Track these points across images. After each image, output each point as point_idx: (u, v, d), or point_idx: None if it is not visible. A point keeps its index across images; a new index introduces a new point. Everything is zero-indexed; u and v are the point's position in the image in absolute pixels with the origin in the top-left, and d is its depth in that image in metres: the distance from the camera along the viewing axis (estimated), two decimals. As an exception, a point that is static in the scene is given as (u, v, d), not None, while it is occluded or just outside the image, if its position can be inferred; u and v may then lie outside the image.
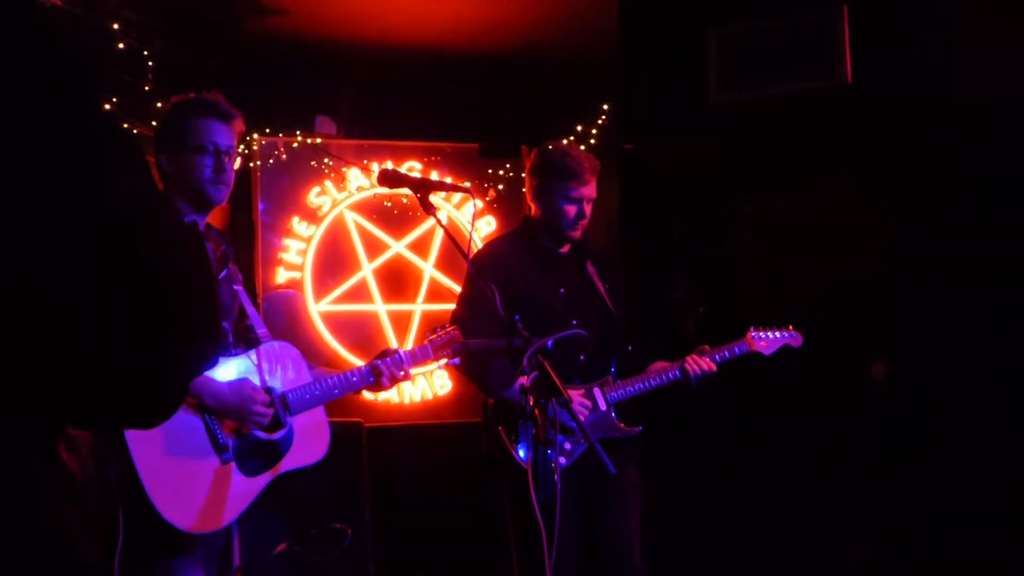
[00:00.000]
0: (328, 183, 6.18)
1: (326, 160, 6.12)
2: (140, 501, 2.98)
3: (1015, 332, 4.54)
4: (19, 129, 1.12)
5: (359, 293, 6.23)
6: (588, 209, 4.05)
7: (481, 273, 3.87)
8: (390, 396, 6.07)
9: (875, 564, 4.79)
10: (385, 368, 3.51)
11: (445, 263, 6.35)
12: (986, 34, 4.68)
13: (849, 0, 4.81)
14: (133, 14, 5.10)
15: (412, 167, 6.25)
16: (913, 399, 4.75)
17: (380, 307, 6.25)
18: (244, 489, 3.22)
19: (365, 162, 6.20)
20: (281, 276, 6.06)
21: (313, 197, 6.14)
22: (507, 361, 3.60)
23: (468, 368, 3.96)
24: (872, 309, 4.87)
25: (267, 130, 5.98)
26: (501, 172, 6.48)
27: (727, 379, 4.29)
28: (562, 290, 4.02)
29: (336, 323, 6.10)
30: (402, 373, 3.56)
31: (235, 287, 3.46)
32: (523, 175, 6.48)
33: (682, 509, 5.07)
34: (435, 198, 6.00)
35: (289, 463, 3.35)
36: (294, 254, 6.05)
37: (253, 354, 3.37)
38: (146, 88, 5.16)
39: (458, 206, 6.37)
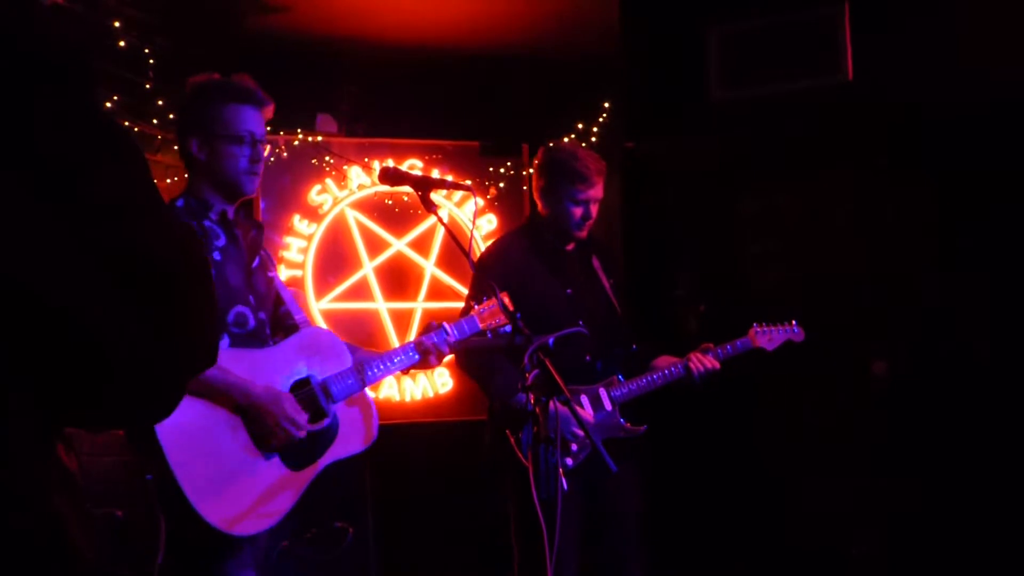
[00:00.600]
0: (329, 181, 6.17)
1: (327, 158, 6.12)
2: (181, 506, 2.82)
3: (1016, 330, 4.53)
4: (16, 126, 1.12)
5: (360, 291, 6.23)
6: (594, 210, 4.07)
7: (486, 272, 3.87)
8: (391, 394, 6.07)
9: (875, 561, 4.78)
10: (432, 345, 3.40)
11: (446, 261, 6.35)
12: (987, 31, 4.68)
13: (850, -3, 4.82)
14: (134, 11, 5.11)
15: (413, 165, 6.24)
16: (914, 396, 4.75)
17: (381, 305, 6.25)
18: (291, 483, 3.08)
19: (366, 160, 6.20)
20: (282, 274, 6.06)
21: (314, 195, 6.13)
22: (514, 369, 3.63)
23: (472, 368, 3.96)
24: (873, 306, 4.87)
25: (268, 128, 5.97)
26: (502, 170, 6.48)
27: (730, 377, 4.30)
28: (569, 290, 4.03)
29: (337, 321, 6.10)
30: (449, 348, 3.43)
31: (270, 274, 3.36)
32: (524, 173, 6.50)
33: (684, 505, 5.07)
34: (436, 196, 5.95)
35: (336, 452, 3.22)
36: (295, 252, 6.05)
37: (291, 342, 3.24)
38: (147, 86, 5.17)
39: (459, 204, 6.37)
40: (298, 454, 3.12)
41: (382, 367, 3.37)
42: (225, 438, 2.98)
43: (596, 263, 4.18)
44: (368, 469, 5.31)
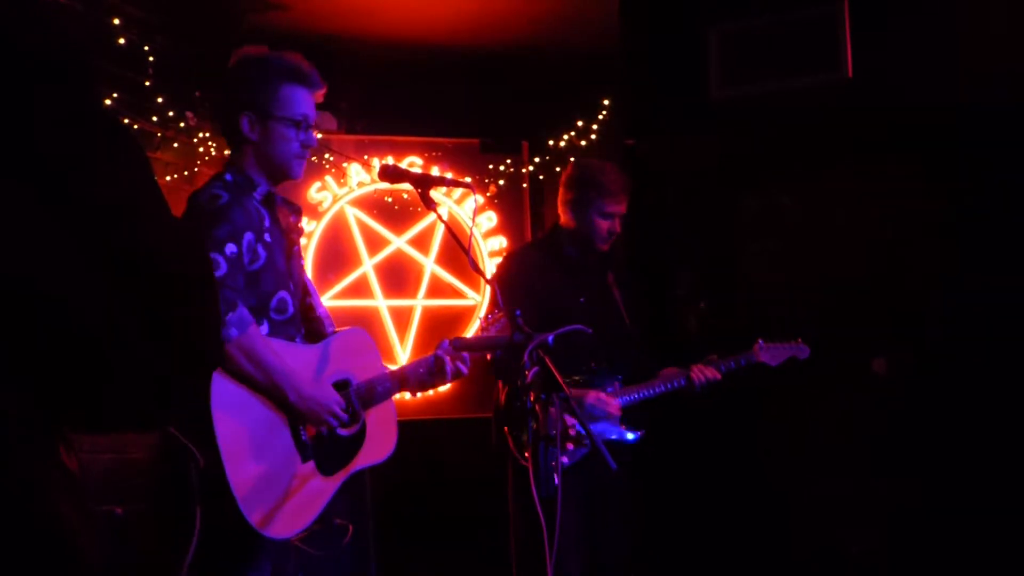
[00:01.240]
0: (329, 178, 6.17)
1: (327, 155, 6.12)
2: (223, 500, 2.77)
3: (1016, 330, 4.53)
4: (18, 126, 1.11)
5: (360, 288, 6.23)
6: (619, 225, 4.19)
7: (510, 281, 4.04)
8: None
9: (875, 560, 4.78)
10: (449, 361, 3.34)
11: (446, 258, 6.35)
12: (987, 29, 4.67)
13: (850, -4, 4.82)
14: (134, 9, 5.10)
15: (413, 162, 6.24)
16: (914, 394, 4.74)
17: (381, 302, 6.25)
18: (321, 489, 3.07)
19: (366, 157, 6.20)
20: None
21: (314, 192, 6.13)
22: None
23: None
24: (873, 305, 4.87)
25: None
26: (502, 168, 6.48)
27: (732, 388, 4.34)
28: (582, 299, 4.13)
29: (337, 319, 6.01)
30: (464, 365, 3.39)
31: (302, 262, 3.34)
32: (524, 170, 6.51)
33: (683, 505, 5.07)
34: (436, 193, 5.95)
35: (363, 460, 3.20)
36: (295, 250, 6.05)
37: (332, 342, 3.22)
38: (147, 84, 5.16)
39: (459, 201, 6.37)
40: (331, 460, 3.10)
41: (409, 379, 3.33)
42: (272, 434, 2.96)
43: (611, 277, 4.29)
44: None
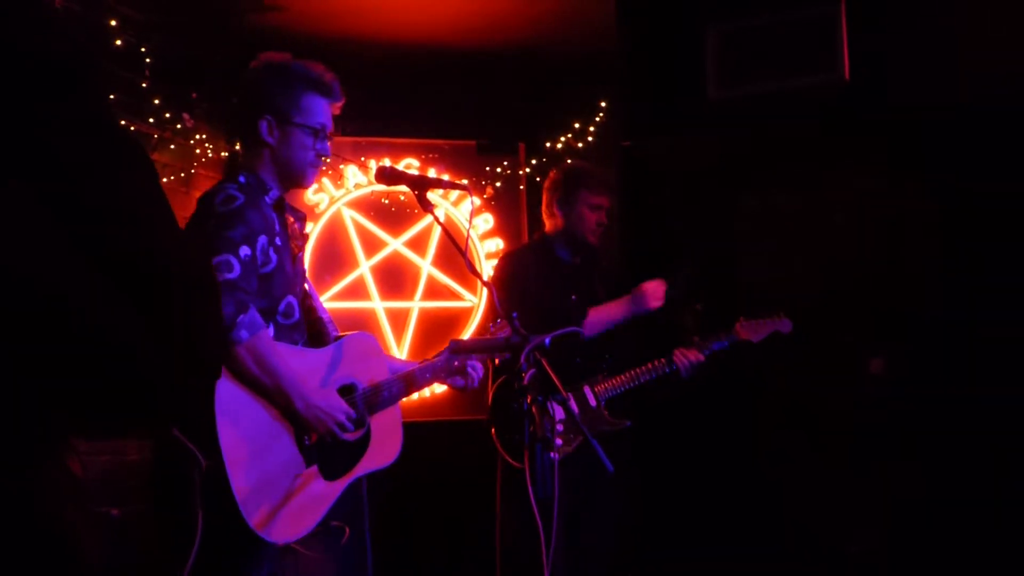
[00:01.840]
0: (325, 180, 6.17)
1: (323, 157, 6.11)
2: (225, 503, 2.77)
3: (1015, 330, 4.53)
4: (27, 132, 1.11)
5: (356, 290, 6.22)
6: (606, 218, 4.43)
7: (502, 279, 4.27)
8: (388, 393, 6.06)
9: (873, 559, 4.78)
10: (474, 372, 3.40)
11: (443, 260, 6.34)
12: (985, 30, 4.67)
13: (847, -4, 4.82)
14: (131, 10, 5.10)
15: (409, 164, 6.24)
16: (912, 394, 4.74)
17: (378, 304, 6.24)
18: (323, 495, 3.07)
19: (363, 159, 6.20)
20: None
21: (310, 194, 6.13)
22: None
23: None
24: (871, 305, 4.87)
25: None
26: (499, 169, 6.48)
27: (726, 372, 4.34)
28: (573, 297, 4.23)
29: (334, 320, 6.09)
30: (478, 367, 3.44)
31: (304, 268, 3.35)
32: (520, 172, 6.50)
33: (681, 505, 5.07)
34: (433, 195, 5.97)
35: (367, 465, 3.21)
36: (292, 251, 6.05)
37: (340, 346, 3.23)
38: (143, 85, 5.15)
39: (456, 203, 6.36)
40: (335, 464, 3.11)
41: (417, 382, 3.35)
42: (276, 439, 2.96)
43: (597, 277, 4.48)
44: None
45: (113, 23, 4.96)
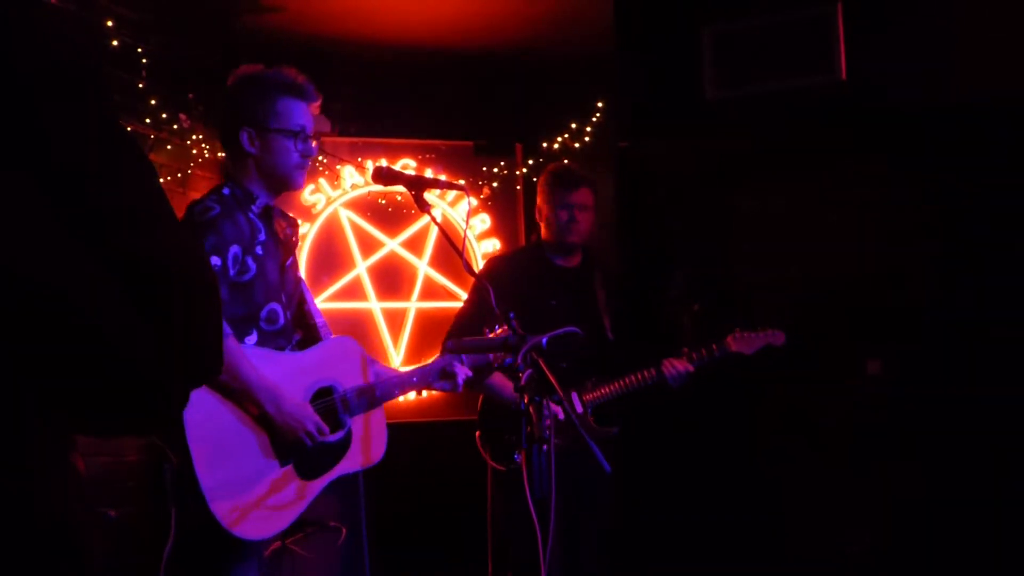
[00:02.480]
0: (322, 181, 6.17)
1: (320, 157, 6.11)
2: (195, 501, 2.83)
3: (1015, 330, 4.54)
4: (33, 133, 1.12)
5: (353, 291, 6.22)
6: (582, 216, 4.32)
7: (482, 282, 4.03)
8: (385, 394, 6.06)
9: (872, 558, 4.79)
10: (459, 365, 3.44)
11: (439, 261, 6.34)
12: (981, 29, 4.68)
13: (844, -3, 4.83)
14: (127, 11, 5.09)
15: (406, 164, 6.24)
16: (910, 395, 4.75)
17: (374, 305, 6.24)
18: (300, 493, 3.11)
19: (359, 159, 6.19)
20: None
21: (307, 195, 6.12)
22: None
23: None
24: (869, 305, 4.87)
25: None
26: (496, 170, 6.48)
27: (725, 377, 4.34)
28: (553, 301, 4.17)
29: (330, 321, 5.99)
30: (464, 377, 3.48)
31: (298, 274, 3.40)
32: (517, 173, 6.51)
33: (679, 505, 5.07)
34: (429, 196, 5.97)
35: (347, 465, 3.24)
36: (288, 252, 6.04)
37: (318, 350, 3.27)
38: (140, 85, 5.15)
39: (452, 204, 6.36)
40: (311, 464, 3.14)
41: (399, 385, 3.39)
42: (247, 441, 3.00)
43: (598, 280, 4.39)
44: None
45: (109, 23, 4.96)
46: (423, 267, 6.34)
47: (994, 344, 4.57)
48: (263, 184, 3.21)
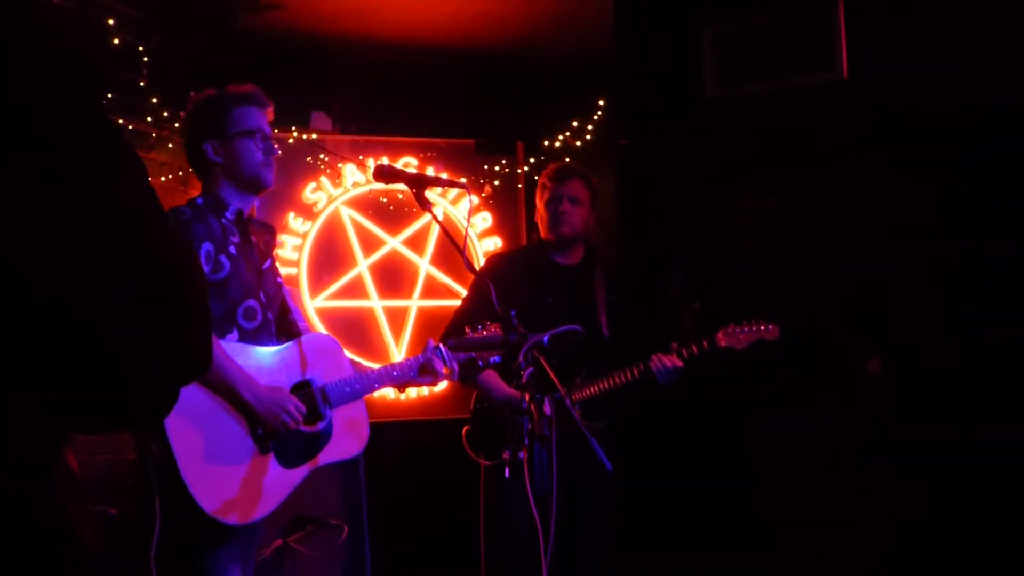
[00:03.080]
0: (324, 179, 6.17)
1: (321, 156, 6.11)
2: (177, 490, 2.97)
3: (1014, 329, 4.54)
4: (29, 132, 1.12)
5: (355, 289, 6.22)
6: (570, 208, 4.32)
7: (473, 281, 4.10)
8: (386, 392, 6.06)
9: (872, 559, 4.79)
10: (433, 365, 3.53)
11: (441, 259, 6.34)
12: (982, 28, 4.68)
13: (845, -5, 4.82)
14: (128, 10, 5.10)
15: (408, 163, 6.24)
16: (909, 395, 4.75)
17: (376, 303, 6.25)
18: (281, 480, 3.22)
19: (361, 158, 6.20)
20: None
21: (308, 193, 6.13)
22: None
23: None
24: (869, 305, 4.87)
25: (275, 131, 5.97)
26: (497, 168, 6.48)
27: (724, 375, 4.33)
28: (550, 299, 4.15)
29: (332, 319, 6.10)
30: (447, 369, 3.56)
31: (278, 279, 3.51)
32: (519, 171, 6.51)
33: (677, 505, 5.07)
34: (431, 194, 5.97)
35: (327, 456, 3.35)
36: (289, 250, 6.05)
37: (295, 345, 3.37)
38: (141, 84, 5.16)
39: (454, 202, 6.37)
40: (292, 453, 3.25)
41: (381, 379, 3.51)
42: (226, 429, 3.11)
43: (599, 278, 4.38)
44: (363, 467, 5.31)
45: (111, 22, 4.96)
46: (424, 265, 6.34)
47: (994, 344, 4.56)
48: (235, 189, 3.36)
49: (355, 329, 6.14)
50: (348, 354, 5.91)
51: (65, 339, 1.13)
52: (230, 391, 3.08)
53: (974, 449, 4.53)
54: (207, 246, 3.19)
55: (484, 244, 6.41)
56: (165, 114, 5.27)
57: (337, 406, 3.38)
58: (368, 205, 6.28)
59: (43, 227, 1.12)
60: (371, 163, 6.10)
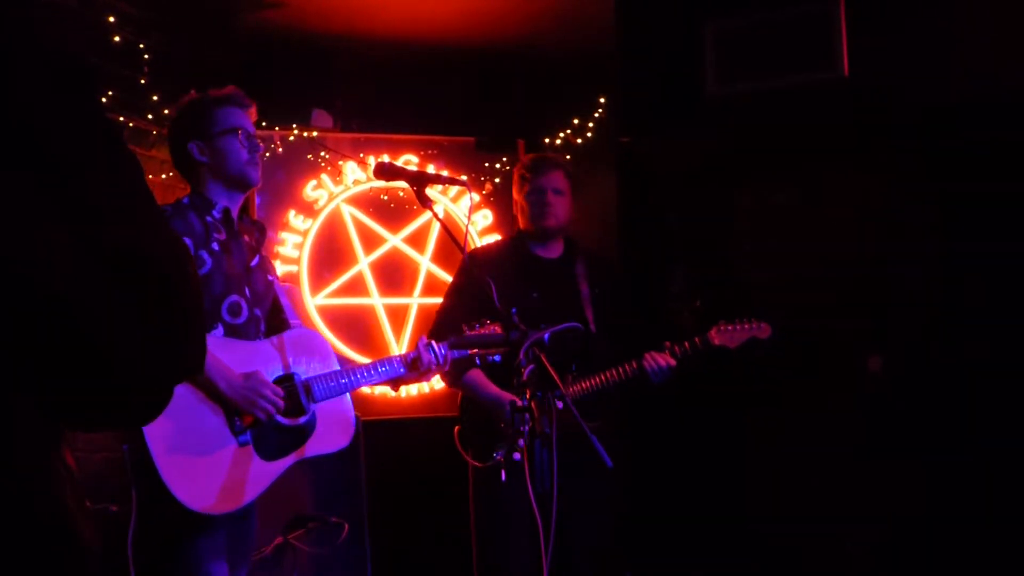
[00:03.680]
0: (324, 176, 6.17)
1: (322, 153, 6.12)
2: (153, 482, 2.98)
3: (1015, 329, 4.54)
4: (24, 129, 1.12)
5: (356, 287, 6.22)
6: (553, 199, 4.24)
7: (462, 275, 4.14)
8: (385, 389, 6.06)
9: (872, 559, 4.79)
10: (422, 362, 3.52)
11: (442, 256, 6.34)
12: (984, 26, 4.67)
13: (846, -7, 4.82)
14: (129, 7, 5.09)
15: (408, 160, 6.24)
16: (910, 394, 4.75)
17: (377, 300, 6.25)
18: (261, 472, 3.22)
19: (361, 155, 6.20)
20: (277, 270, 6.04)
21: (309, 191, 6.13)
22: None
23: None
24: (869, 302, 4.87)
25: (263, 123, 5.97)
26: (498, 166, 6.48)
27: (723, 371, 4.32)
28: (535, 294, 4.09)
29: (333, 316, 6.10)
30: (438, 364, 3.56)
31: (269, 277, 3.51)
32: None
33: (678, 502, 5.08)
34: (431, 191, 5.98)
35: (310, 449, 3.35)
36: (290, 248, 6.05)
37: (277, 340, 3.38)
38: (142, 82, 5.15)
39: (454, 199, 6.36)
40: (271, 446, 3.25)
41: (367, 375, 3.50)
42: (202, 420, 3.13)
43: (580, 271, 4.24)
44: (363, 464, 5.31)
45: (111, 20, 4.96)
46: (425, 263, 6.34)
47: (994, 344, 4.56)
48: (222, 188, 3.38)
49: (356, 326, 6.14)
50: (349, 351, 5.97)
51: (62, 339, 1.13)
52: (205, 381, 3.10)
53: (974, 449, 4.53)
54: (186, 241, 3.21)
55: (485, 242, 6.40)
56: (165, 112, 5.26)
57: (321, 401, 3.38)
58: (369, 203, 6.28)
59: (40, 226, 1.12)
60: (372, 161, 6.09)
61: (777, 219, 5.11)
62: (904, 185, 4.81)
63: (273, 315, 3.48)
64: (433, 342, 3.55)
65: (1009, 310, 4.54)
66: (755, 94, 5.00)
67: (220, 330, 3.26)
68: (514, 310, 3.16)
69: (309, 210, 6.12)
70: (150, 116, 5.23)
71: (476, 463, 4.02)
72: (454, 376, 4.16)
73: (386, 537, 5.40)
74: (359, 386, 3.51)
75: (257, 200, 6.03)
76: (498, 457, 3.82)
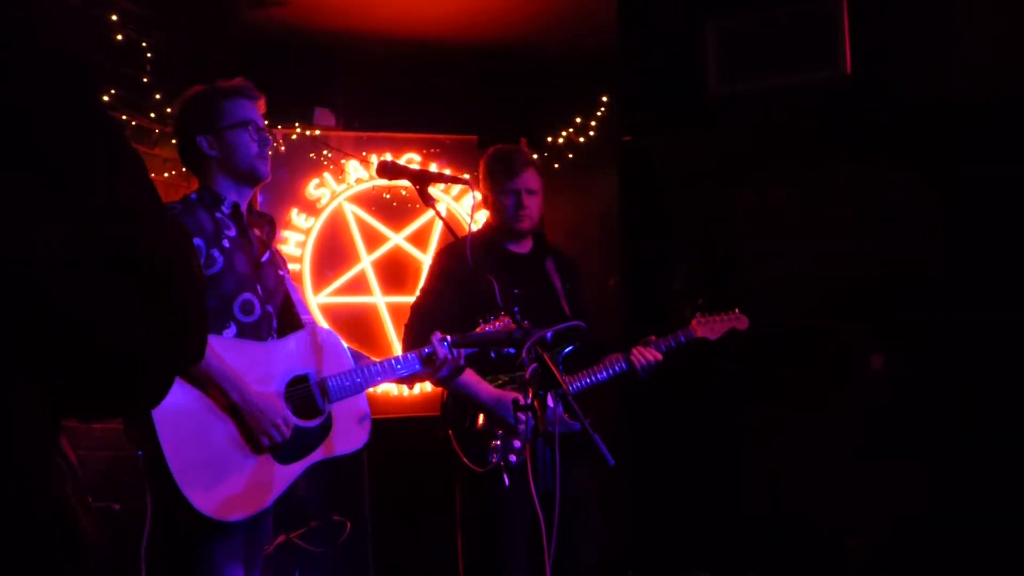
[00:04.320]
0: (327, 175, 6.17)
1: (325, 152, 6.12)
2: (168, 487, 2.91)
3: (1015, 328, 4.53)
4: (25, 127, 1.13)
5: (358, 285, 6.23)
6: (530, 201, 4.12)
7: (443, 271, 4.00)
8: (388, 388, 6.07)
9: (872, 556, 4.79)
10: (439, 358, 3.43)
11: (444, 255, 6.34)
12: (986, 25, 4.67)
13: (849, -9, 4.82)
14: (131, 5, 5.10)
15: (411, 159, 6.24)
16: (911, 392, 4.75)
17: (379, 299, 6.25)
18: (278, 476, 3.15)
19: (364, 154, 6.20)
20: (280, 268, 6.05)
21: (312, 189, 6.13)
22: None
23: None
24: (871, 300, 4.87)
25: (265, 122, 5.97)
26: (500, 164, 6.47)
27: (723, 367, 4.31)
28: (516, 290, 4.04)
29: (335, 315, 6.10)
30: (452, 359, 3.47)
31: (280, 272, 3.44)
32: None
33: (675, 500, 5.08)
34: (434, 190, 5.99)
35: (327, 451, 3.29)
36: (293, 246, 6.05)
37: (292, 339, 3.31)
38: (144, 80, 5.16)
39: (457, 198, 6.37)
40: (288, 449, 3.18)
41: (383, 372, 3.42)
42: (216, 426, 3.05)
43: (551, 266, 4.21)
44: (366, 463, 5.32)
45: (114, 18, 4.96)
46: (428, 261, 6.34)
47: (994, 343, 4.56)
48: (230, 182, 3.31)
49: (358, 325, 6.14)
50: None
51: (62, 337, 1.13)
52: (218, 389, 3.03)
53: (974, 449, 4.53)
54: (197, 241, 3.16)
55: (487, 240, 6.41)
56: (168, 110, 5.27)
57: (337, 400, 3.30)
58: (371, 201, 6.28)
59: (41, 225, 1.12)
60: (374, 159, 6.10)
61: (779, 216, 5.11)
62: (906, 182, 4.81)
63: (285, 311, 3.40)
64: (448, 339, 3.45)
65: (1009, 310, 4.54)
66: (757, 92, 5.00)
67: (233, 329, 3.18)
68: (516, 309, 3.16)
69: (311, 209, 6.12)
70: (152, 115, 5.24)
71: (476, 468, 3.92)
72: (451, 375, 4.08)
73: (388, 536, 5.41)
74: (375, 384, 3.43)
75: (260, 198, 6.03)
76: (497, 461, 3.78)
